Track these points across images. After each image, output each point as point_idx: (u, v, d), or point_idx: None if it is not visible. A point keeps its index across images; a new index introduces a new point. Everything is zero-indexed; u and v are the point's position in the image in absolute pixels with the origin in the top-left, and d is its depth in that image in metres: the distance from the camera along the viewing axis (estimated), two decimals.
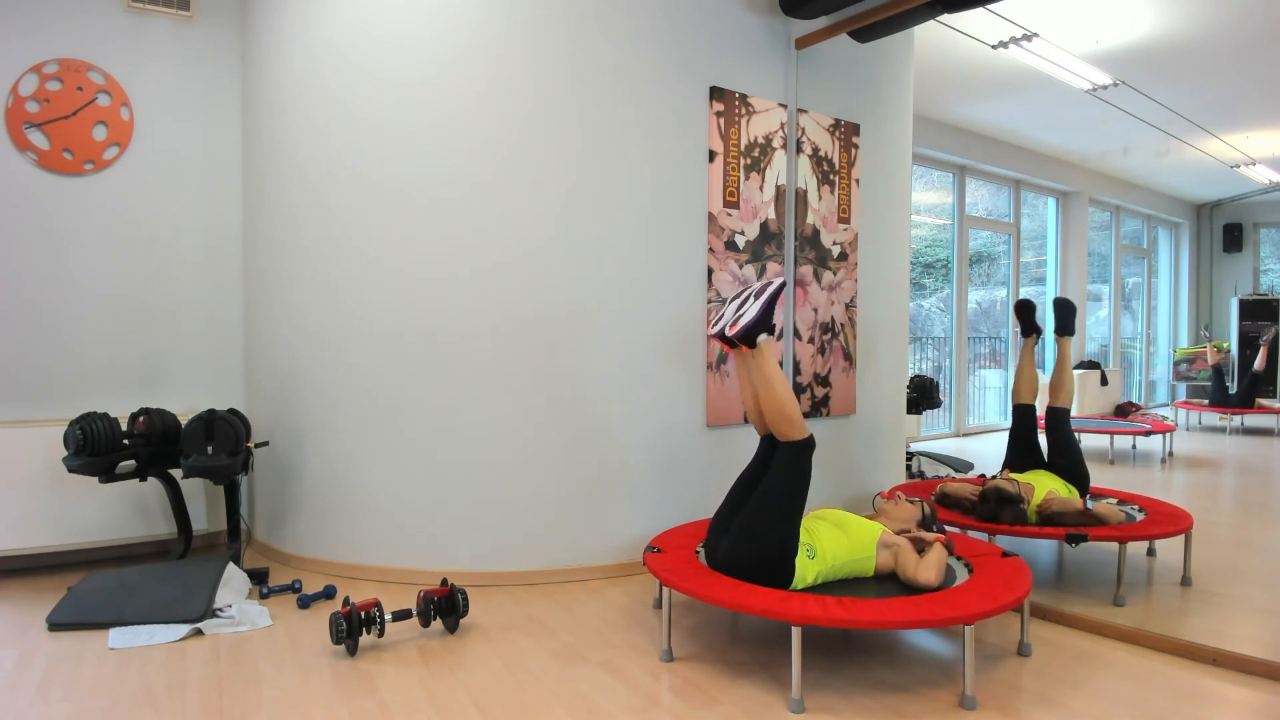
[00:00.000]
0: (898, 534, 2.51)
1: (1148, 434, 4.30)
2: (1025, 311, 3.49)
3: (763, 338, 2.45)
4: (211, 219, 3.66)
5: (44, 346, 3.31)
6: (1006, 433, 3.42)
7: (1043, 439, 3.33)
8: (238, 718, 1.98)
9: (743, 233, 3.43)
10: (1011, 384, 3.48)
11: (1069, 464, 3.22)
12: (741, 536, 2.34)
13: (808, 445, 2.38)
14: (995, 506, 2.94)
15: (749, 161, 3.44)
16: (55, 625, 2.58)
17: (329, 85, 3.18)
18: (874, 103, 3.90)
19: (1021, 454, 3.35)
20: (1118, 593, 2.76)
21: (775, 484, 2.36)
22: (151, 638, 2.48)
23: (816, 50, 3.60)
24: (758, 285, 2.55)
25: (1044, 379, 3.42)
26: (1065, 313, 3.41)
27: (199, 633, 2.55)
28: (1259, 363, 3.95)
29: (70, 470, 2.89)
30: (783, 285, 2.51)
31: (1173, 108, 4.03)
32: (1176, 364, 4.30)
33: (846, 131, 3.76)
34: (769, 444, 2.55)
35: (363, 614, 2.39)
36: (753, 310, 2.47)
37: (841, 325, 3.78)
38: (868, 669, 2.28)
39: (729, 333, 2.49)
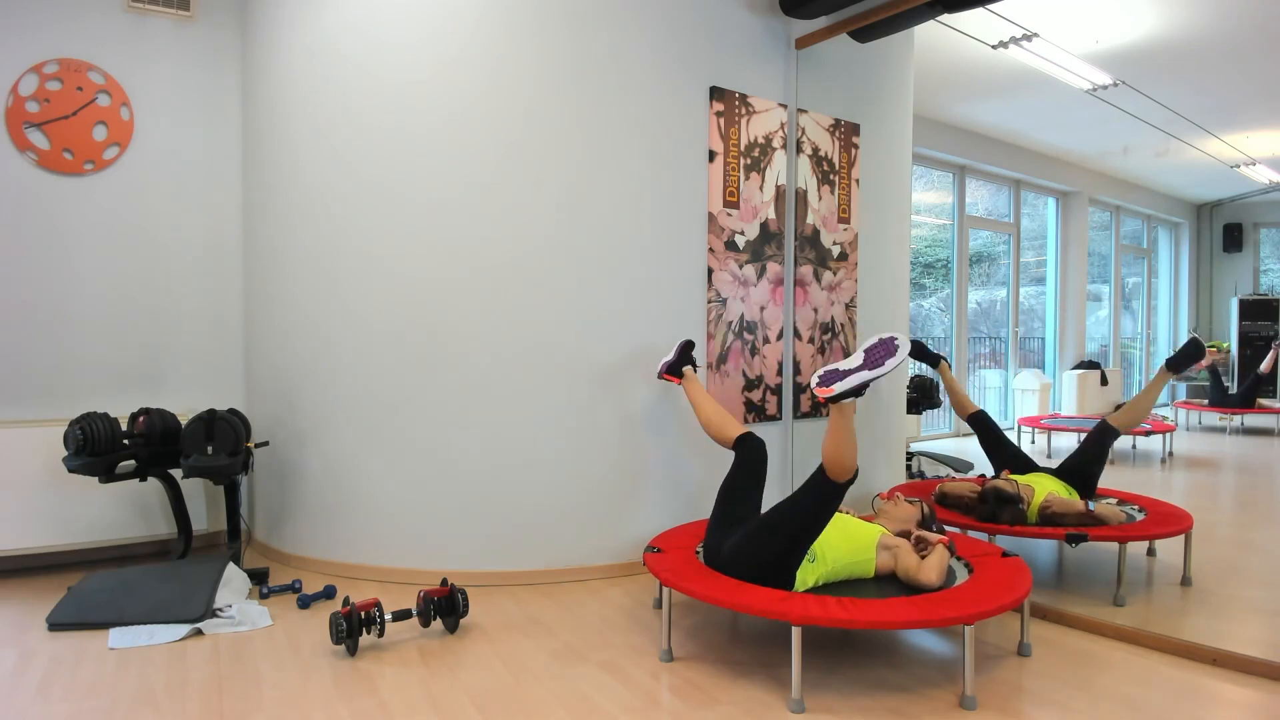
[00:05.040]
0: (899, 535, 2.51)
1: (1148, 434, 4.29)
2: (920, 352, 3.77)
3: (848, 400, 2.25)
4: (211, 219, 3.66)
5: (44, 346, 3.31)
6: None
7: (1072, 441, 3.28)
8: (238, 718, 1.98)
9: (743, 233, 3.43)
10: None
11: (1082, 464, 3.18)
12: (749, 544, 2.33)
13: (848, 485, 2.27)
14: (994, 507, 2.94)
15: (749, 161, 3.44)
16: (55, 625, 2.58)
17: (329, 85, 3.18)
18: (874, 103, 3.90)
19: (1002, 455, 3.35)
20: (1118, 593, 2.76)
21: (800, 506, 2.30)
22: (151, 638, 2.48)
23: (816, 50, 3.60)
24: (869, 342, 2.29)
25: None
26: (1190, 353, 3.25)
27: (199, 633, 2.55)
28: (1265, 365, 3.94)
29: (70, 470, 2.89)
30: (905, 358, 2.23)
31: (1173, 108, 4.03)
32: None
33: (846, 131, 3.76)
34: (745, 450, 2.61)
35: (363, 614, 2.39)
36: (858, 377, 2.21)
37: (841, 325, 3.78)
38: (868, 669, 2.28)
39: (821, 395, 2.25)
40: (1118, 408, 3.32)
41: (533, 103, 3.06)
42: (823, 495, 2.28)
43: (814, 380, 2.29)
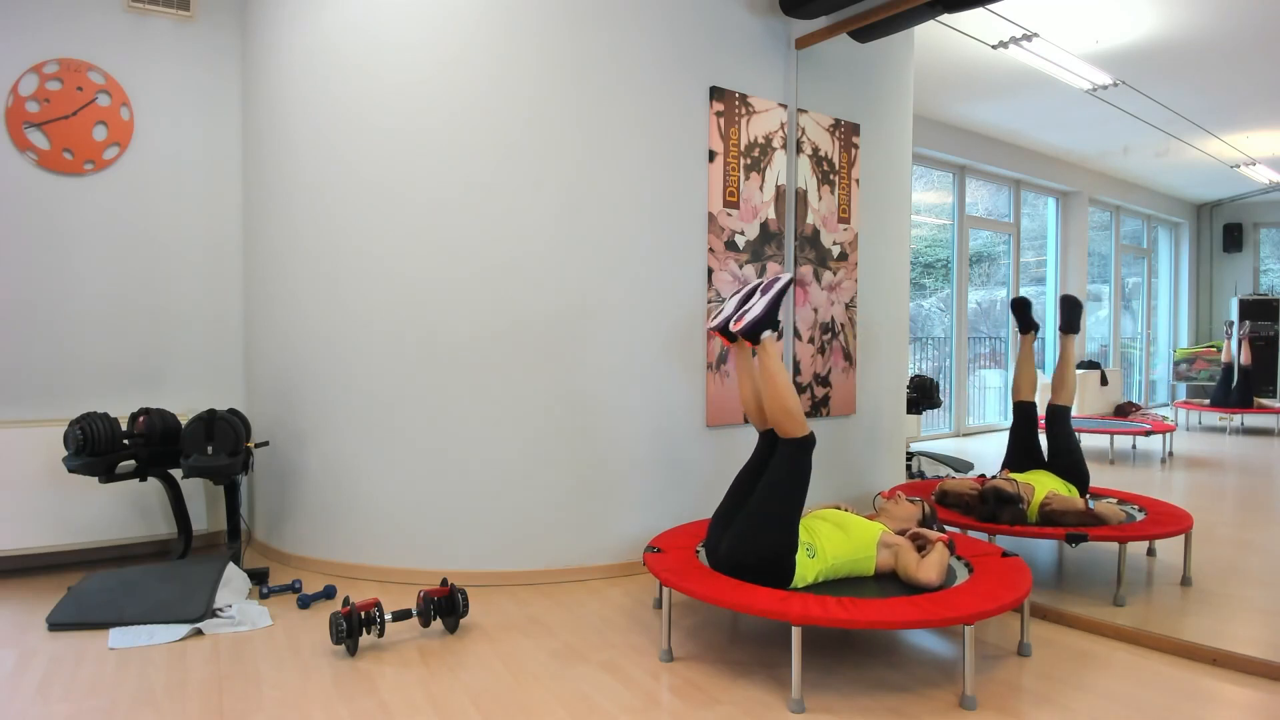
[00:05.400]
0: (899, 533, 2.51)
1: (1148, 434, 4.30)
2: (1021, 309, 3.51)
3: (767, 334, 2.47)
4: (211, 219, 3.66)
5: (44, 346, 3.31)
6: (1006, 433, 3.42)
7: (1042, 437, 3.33)
8: (238, 718, 1.98)
9: (743, 233, 3.43)
10: (1011, 382, 3.48)
11: (1069, 463, 3.22)
12: (742, 534, 2.34)
13: (808, 443, 2.38)
14: (994, 507, 2.94)
15: (749, 161, 3.44)
16: (55, 625, 2.58)
17: (329, 85, 3.18)
18: (874, 103, 3.90)
19: (1021, 453, 3.34)
20: (1118, 593, 2.76)
21: (775, 482, 2.36)
22: (151, 638, 2.48)
23: (816, 50, 3.60)
24: (764, 280, 2.55)
25: (1044, 378, 3.42)
26: (1071, 310, 3.40)
27: (199, 633, 2.55)
28: (1244, 358, 3.96)
29: (70, 470, 2.89)
30: (790, 282, 2.53)
31: (1173, 108, 4.03)
32: (1176, 364, 4.30)
33: (846, 131, 3.76)
34: (768, 440, 2.56)
35: (363, 614, 2.39)
36: (758, 306, 2.48)
37: (841, 325, 3.78)
38: (868, 669, 2.28)
39: (733, 328, 2.51)
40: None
41: (533, 103, 3.06)
42: (791, 459, 2.35)
43: (730, 325, 2.54)
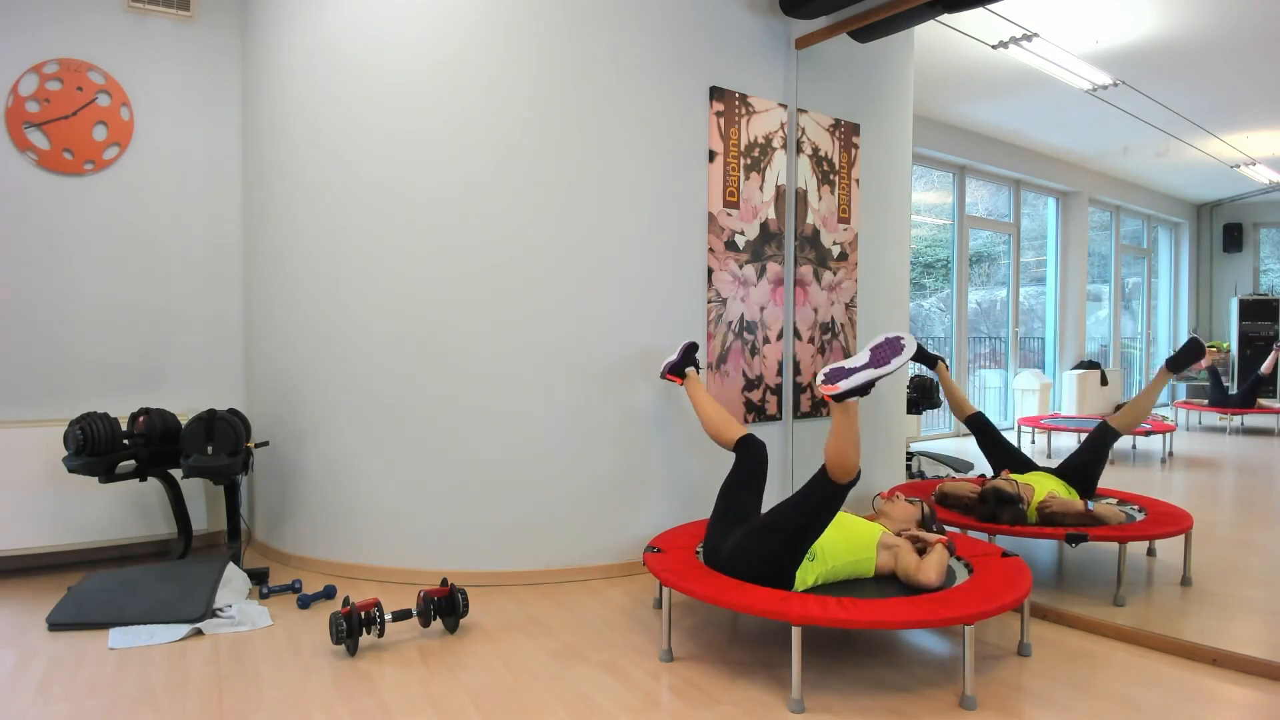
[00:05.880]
0: (898, 534, 2.51)
1: (1148, 434, 4.29)
2: (918, 353, 3.52)
3: (852, 399, 2.22)
4: (211, 219, 3.66)
5: (44, 346, 3.31)
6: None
7: (1072, 441, 3.27)
8: (238, 718, 1.98)
9: (743, 233, 3.43)
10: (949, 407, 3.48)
11: (1083, 464, 3.18)
12: (751, 545, 2.32)
13: (850, 486, 2.27)
14: (994, 507, 2.94)
15: (749, 161, 3.44)
16: (55, 625, 2.58)
17: (329, 85, 3.18)
18: (874, 103, 3.90)
19: (1000, 455, 3.35)
20: (1118, 593, 2.76)
21: (803, 504, 2.30)
22: (151, 638, 2.48)
23: (816, 50, 3.60)
24: (883, 340, 2.25)
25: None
26: (1190, 353, 3.25)
27: (199, 633, 2.55)
28: (1266, 367, 3.94)
29: (70, 470, 2.89)
30: (910, 356, 2.20)
31: (1173, 108, 4.03)
32: None
33: (846, 131, 3.76)
34: (746, 452, 2.61)
35: (363, 614, 2.39)
36: (861, 377, 2.19)
37: (841, 325, 3.78)
38: (868, 669, 2.28)
39: (823, 390, 2.23)
40: (1118, 408, 3.30)
41: (533, 103, 3.06)
42: (825, 496, 2.28)
43: (819, 378, 2.27)
